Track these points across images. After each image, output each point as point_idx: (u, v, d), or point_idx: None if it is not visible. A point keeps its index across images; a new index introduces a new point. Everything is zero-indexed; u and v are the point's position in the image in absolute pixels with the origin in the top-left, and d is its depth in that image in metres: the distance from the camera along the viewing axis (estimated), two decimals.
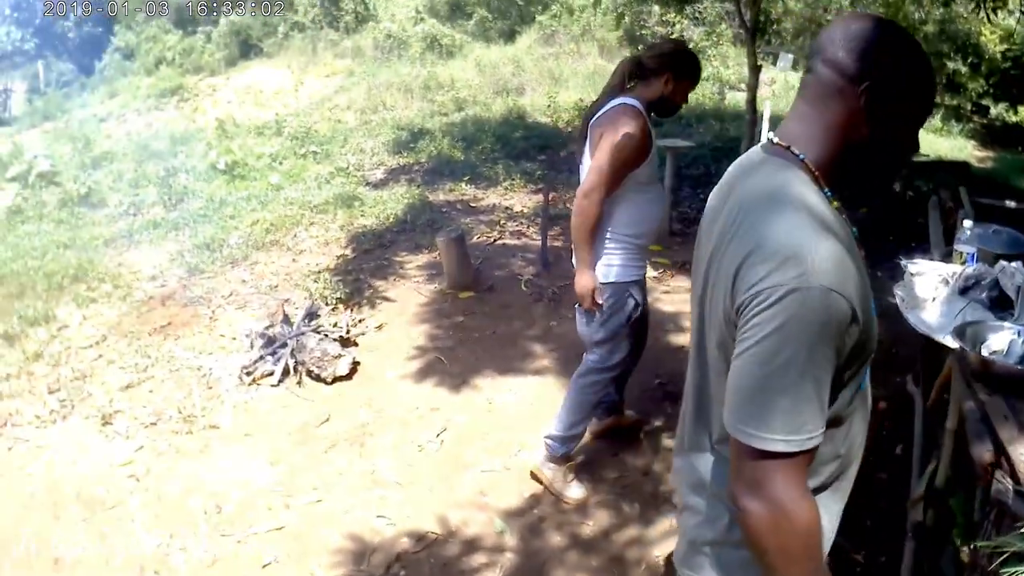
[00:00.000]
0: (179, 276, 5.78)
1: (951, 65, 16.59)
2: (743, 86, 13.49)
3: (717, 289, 1.26)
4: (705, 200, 1.47)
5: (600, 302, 3.16)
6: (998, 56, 16.89)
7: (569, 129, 10.90)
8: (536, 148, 9.96)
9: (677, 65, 3.09)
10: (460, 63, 15.25)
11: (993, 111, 18.02)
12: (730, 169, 1.42)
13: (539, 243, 6.06)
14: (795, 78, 15.59)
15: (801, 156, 1.26)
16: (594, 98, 3.32)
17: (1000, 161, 12.54)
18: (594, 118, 3.10)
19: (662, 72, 3.06)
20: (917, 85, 1.24)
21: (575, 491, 3.41)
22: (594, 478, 3.50)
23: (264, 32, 19.13)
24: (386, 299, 5.21)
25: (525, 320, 4.96)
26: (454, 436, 3.79)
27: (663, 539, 3.16)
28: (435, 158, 9.24)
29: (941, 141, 13.44)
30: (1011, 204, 5.82)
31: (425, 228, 6.65)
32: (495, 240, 6.45)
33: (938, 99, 19.40)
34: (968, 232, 3.00)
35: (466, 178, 8.46)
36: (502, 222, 6.91)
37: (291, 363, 4.26)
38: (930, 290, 2.74)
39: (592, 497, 3.40)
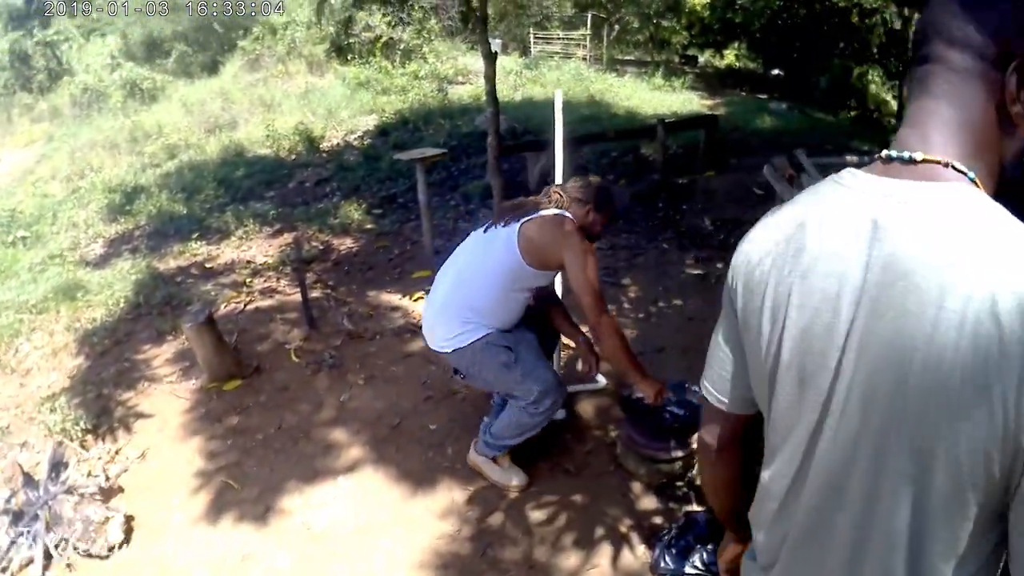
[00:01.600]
0: None
1: (657, 23, 17.39)
2: (461, 79, 13.29)
3: (958, 395, 0.84)
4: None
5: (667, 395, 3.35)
6: (697, 6, 17.82)
7: (293, 157, 10.14)
8: (263, 185, 9.16)
9: (598, 198, 3.29)
10: (165, 106, 13.98)
11: (701, 59, 19.11)
12: (822, 206, 1.00)
13: (297, 298, 5.40)
14: (508, 62, 15.75)
15: (971, 175, 0.92)
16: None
17: (729, 105, 13.12)
18: (527, 219, 3.18)
19: (586, 202, 3.28)
20: None
21: (515, 478, 3.48)
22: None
23: None
24: (140, 415, 4.32)
25: (310, 401, 4.32)
26: None
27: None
28: (155, 218, 8.20)
29: (669, 97, 13.93)
30: (853, 159, 5.94)
31: (163, 308, 5.75)
32: (245, 306, 5.67)
33: (650, 57, 20.43)
34: None
35: (195, 235, 7.52)
36: (247, 281, 6.15)
37: (50, 542, 3.30)
38: None
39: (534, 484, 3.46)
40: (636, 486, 3.54)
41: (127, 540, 3.34)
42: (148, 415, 4.31)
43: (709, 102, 14.03)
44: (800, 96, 15.92)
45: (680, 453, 3.50)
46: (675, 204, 7.83)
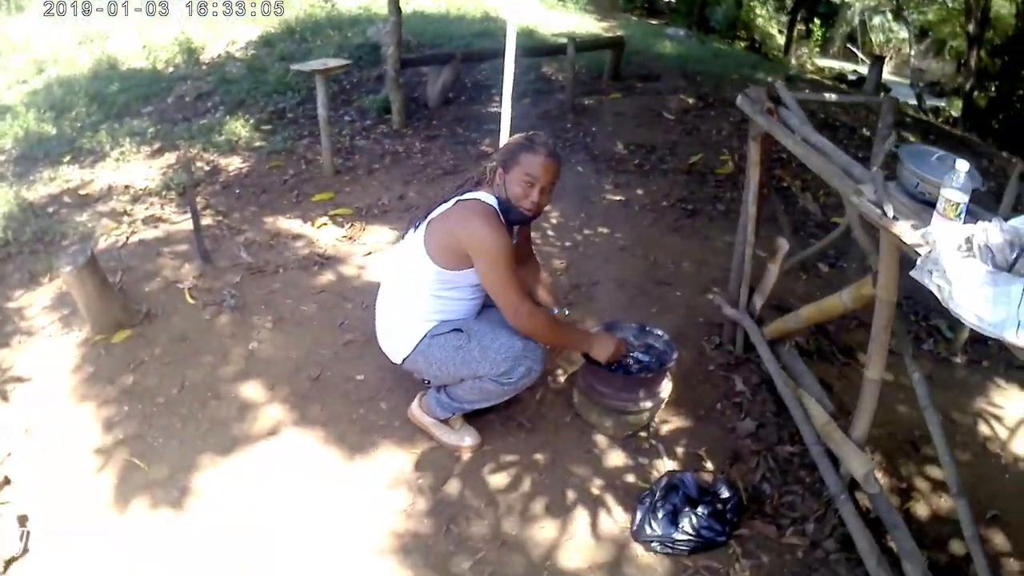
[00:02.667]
0: None
1: None
2: None
3: None
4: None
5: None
6: None
7: (171, 69, 9.08)
8: (139, 100, 8.11)
9: (504, 154, 2.76)
10: (34, 15, 12.18)
11: None
12: None
13: (185, 227, 4.72)
14: None
15: None
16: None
17: (625, 28, 12.60)
18: (433, 215, 2.79)
19: (496, 167, 2.77)
20: None
21: (467, 437, 3.06)
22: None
23: None
24: (18, 379, 3.57)
25: (214, 352, 3.69)
26: None
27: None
28: (22, 141, 7.03)
29: (564, 19, 13.27)
30: (831, 97, 5.87)
31: (35, 246, 4.85)
32: (128, 238, 4.88)
33: None
34: (960, 173, 2.14)
35: (66, 158, 6.50)
36: (128, 209, 5.34)
37: None
38: (966, 264, 1.91)
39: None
40: (599, 439, 3.16)
41: (26, 548, 2.65)
42: (25, 379, 3.57)
43: (604, 24, 13.52)
44: (693, 24, 15.65)
45: (649, 404, 3.12)
46: (584, 126, 7.37)
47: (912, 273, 1.99)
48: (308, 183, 5.84)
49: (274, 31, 10.13)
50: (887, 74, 16.58)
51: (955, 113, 16.43)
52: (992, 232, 1.87)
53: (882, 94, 8.28)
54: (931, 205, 2.19)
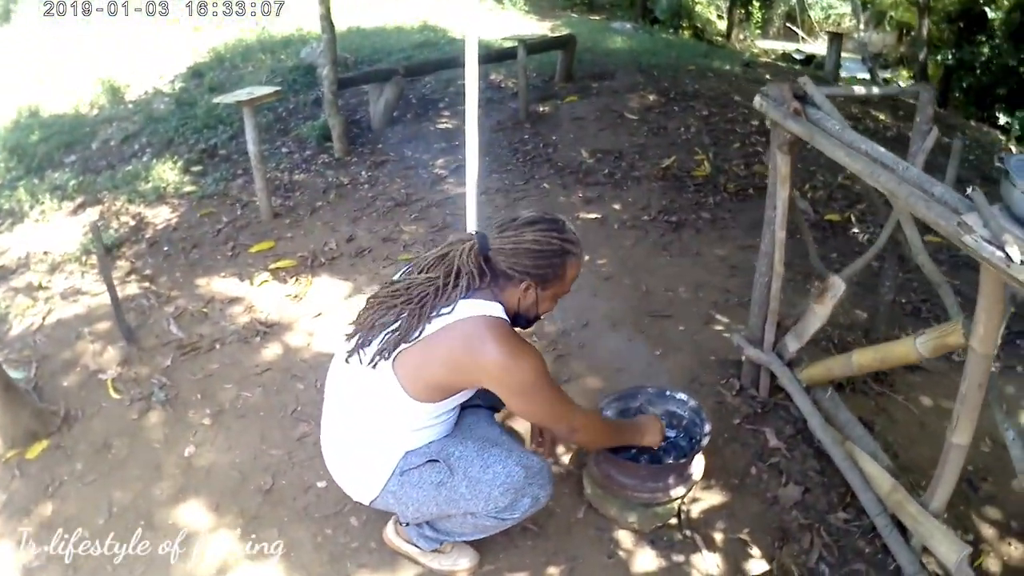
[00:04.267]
0: None
1: None
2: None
3: None
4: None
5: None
6: None
7: (95, 111, 8.28)
8: (62, 148, 7.30)
9: (545, 263, 2.01)
10: None
11: None
12: None
13: (109, 301, 4.01)
14: None
15: None
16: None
17: (570, 26, 11.97)
18: (401, 348, 1.98)
19: (522, 275, 2.01)
20: None
21: (463, 559, 2.38)
22: None
23: None
24: None
25: (145, 462, 2.99)
26: None
27: None
28: None
29: (504, 20, 12.58)
30: (862, 91, 4.85)
31: None
32: (44, 319, 4.14)
33: None
34: None
35: None
36: (45, 282, 4.60)
37: None
38: None
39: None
40: (622, 537, 2.55)
41: None
42: None
43: (547, 24, 12.89)
44: (638, 16, 15.11)
45: (682, 491, 2.52)
46: (543, 135, 6.76)
47: None
48: (244, 231, 5.13)
49: (203, 61, 9.37)
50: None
51: (903, 84, 16.11)
52: None
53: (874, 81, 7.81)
54: None
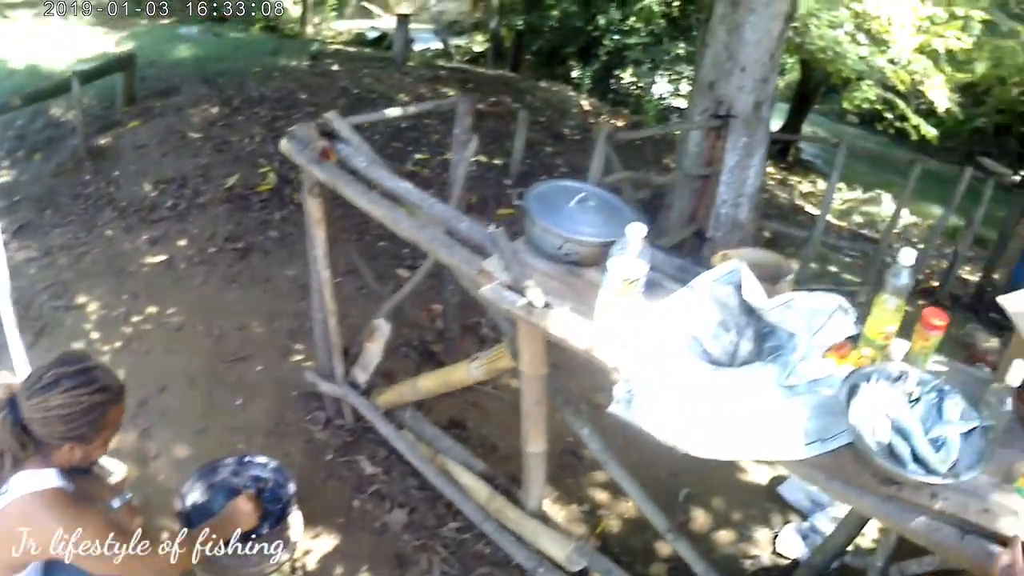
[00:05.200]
0: None
1: None
2: None
3: None
4: None
5: None
6: None
7: None
8: None
9: (79, 431, 1.80)
10: None
11: None
12: None
13: None
14: None
15: None
16: None
17: (136, 37, 10.86)
18: None
19: (60, 443, 1.79)
20: None
21: None
22: None
23: None
24: None
25: None
26: None
27: None
28: None
29: (62, 35, 11.09)
30: (396, 112, 3.65)
31: None
32: None
33: None
34: (632, 233, 1.62)
35: None
36: None
37: None
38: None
39: None
40: None
41: None
42: None
43: (115, 36, 11.68)
44: (208, 15, 14.30)
45: (286, 555, 2.42)
46: (105, 172, 6.15)
47: (611, 411, 1.47)
48: None
49: None
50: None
51: (478, 48, 16.99)
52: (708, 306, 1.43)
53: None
54: (576, 264, 1.68)
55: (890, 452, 1.42)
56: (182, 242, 4.89)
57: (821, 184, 11.25)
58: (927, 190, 8.53)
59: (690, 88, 11.99)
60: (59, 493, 1.77)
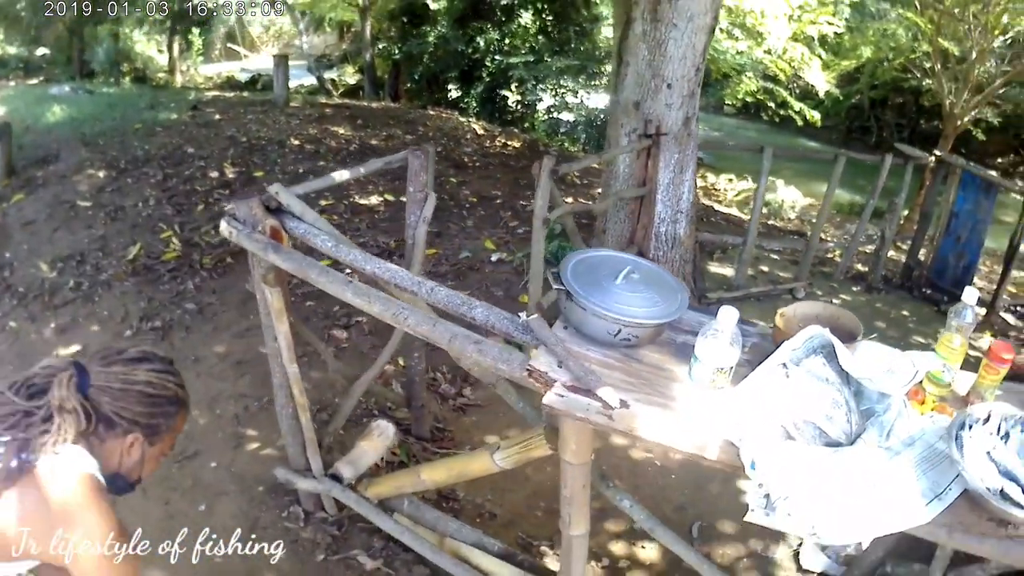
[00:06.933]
0: None
1: None
2: None
3: None
4: None
5: None
6: None
7: None
8: None
9: (155, 419, 1.49)
10: None
11: None
12: None
13: None
14: None
15: None
16: None
17: (7, 99, 9.99)
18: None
19: (129, 423, 1.45)
20: None
21: None
22: None
23: None
24: None
25: None
26: None
27: None
28: None
29: None
30: (344, 175, 3.02)
31: None
32: None
33: None
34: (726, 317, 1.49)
35: None
36: None
37: None
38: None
39: None
40: None
41: None
42: None
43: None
44: (76, 73, 13.46)
45: None
46: None
47: (749, 519, 1.35)
48: None
49: None
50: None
51: (351, 80, 16.58)
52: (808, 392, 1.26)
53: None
54: (631, 347, 1.47)
55: (1002, 494, 1.37)
56: (94, 327, 4.42)
57: (711, 177, 11.36)
58: (821, 173, 8.68)
59: (579, 102, 12.11)
60: (103, 487, 1.43)
